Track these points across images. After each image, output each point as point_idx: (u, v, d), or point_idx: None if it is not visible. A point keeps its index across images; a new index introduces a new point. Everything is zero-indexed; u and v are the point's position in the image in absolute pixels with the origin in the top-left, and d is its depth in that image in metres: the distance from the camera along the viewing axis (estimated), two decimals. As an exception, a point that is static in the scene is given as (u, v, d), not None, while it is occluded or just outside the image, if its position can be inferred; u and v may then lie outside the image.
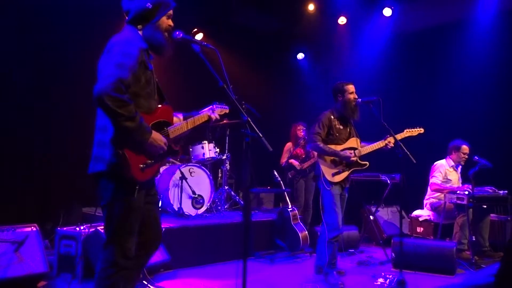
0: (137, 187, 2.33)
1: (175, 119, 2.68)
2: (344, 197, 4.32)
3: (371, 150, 4.29)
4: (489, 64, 6.40)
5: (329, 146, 4.20)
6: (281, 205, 6.08)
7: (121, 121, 2.16)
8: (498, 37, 6.40)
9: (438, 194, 5.66)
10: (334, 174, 4.16)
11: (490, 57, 6.40)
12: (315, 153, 6.35)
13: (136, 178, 2.29)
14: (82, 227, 4.14)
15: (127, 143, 2.25)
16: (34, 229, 3.85)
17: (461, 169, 5.81)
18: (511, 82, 6.15)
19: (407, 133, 4.38)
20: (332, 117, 4.28)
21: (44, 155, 5.65)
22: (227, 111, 2.92)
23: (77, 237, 3.97)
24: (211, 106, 2.88)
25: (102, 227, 3.78)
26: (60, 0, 5.60)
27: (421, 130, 4.43)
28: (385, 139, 4.24)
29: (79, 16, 5.79)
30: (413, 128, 4.43)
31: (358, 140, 4.36)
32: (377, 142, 4.28)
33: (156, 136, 2.35)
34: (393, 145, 4.19)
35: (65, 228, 4.19)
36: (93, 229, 4.00)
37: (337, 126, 4.29)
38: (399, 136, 4.27)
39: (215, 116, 2.82)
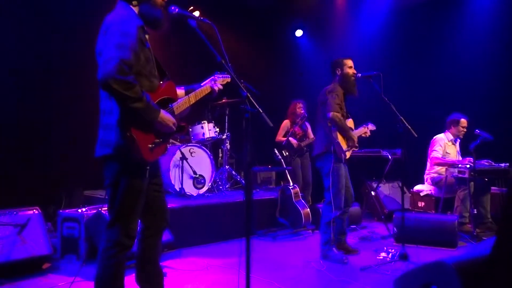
0: (147, 168, 2.31)
1: (178, 92, 2.63)
2: (346, 170, 4.35)
3: (357, 135, 4.40)
4: (489, 38, 6.32)
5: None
6: (282, 183, 6.09)
7: (130, 103, 2.12)
8: (498, 8, 6.29)
9: (439, 168, 5.66)
10: (345, 151, 4.16)
11: (490, 30, 6.31)
12: (311, 132, 6.36)
13: (146, 159, 2.27)
14: (84, 209, 4.15)
15: (134, 124, 2.21)
16: (36, 211, 3.86)
17: (460, 142, 5.79)
18: (508, 54, 6.07)
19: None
20: (339, 88, 4.24)
21: (46, 138, 5.64)
22: (229, 80, 2.84)
23: (79, 219, 3.98)
24: (212, 77, 2.83)
25: (105, 208, 3.80)
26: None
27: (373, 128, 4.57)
28: (363, 127, 4.47)
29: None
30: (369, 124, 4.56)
31: (352, 122, 4.43)
32: (359, 129, 4.46)
33: (164, 115, 2.32)
34: (368, 135, 4.48)
35: (67, 211, 4.19)
36: (95, 211, 4.00)
37: (343, 101, 4.30)
38: (357, 133, 4.42)
39: (217, 87, 2.78)
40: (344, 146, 4.16)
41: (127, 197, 2.29)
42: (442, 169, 5.60)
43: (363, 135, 4.47)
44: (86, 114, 4.94)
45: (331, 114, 4.07)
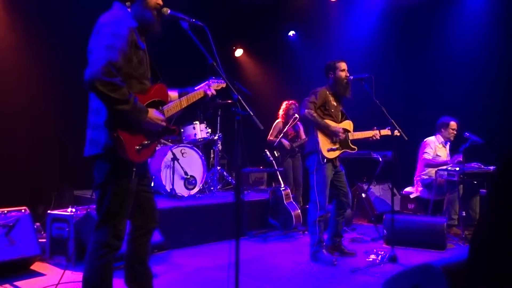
0: (134, 169, 2.31)
1: (171, 95, 2.63)
2: (342, 173, 4.36)
3: (360, 137, 4.39)
4: (480, 40, 6.38)
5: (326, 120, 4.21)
6: (273, 184, 6.10)
7: (115, 104, 2.13)
8: (490, 11, 6.36)
9: (429, 170, 5.70)
10: (329, 150, 4.17)
11: (481, 33, 6.37)
12: (303, 133, 6.38)
13: (132, 160, 2.27)
14: (74, 210, 4.12)
15: (122, 125, 2.21)
16: (25, 212, 3.82)
17: (450, 145, 5.84)
18: (501, 58, 6.14)
19: (388, 131, 4.42)
20: (327, 92, 4.29)
21: (35, 137, 5.59)
22: (224, 85, 2.84)
23: (69, 220, 3.95)
24: (207, 82, 2.83)
25: (94, 208, 3.78)
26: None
27: (397, 133, 4.40)
28: (372, 130, 4.39)
29: None
30: (383, 128, 4.47)
31: (351, 124, 4.43)
32: (366, 132, 4.41)
33: (153, 114, 2.31)
34: (378, 138, 4.38)
35: (56, 211, 4.16)
36: (85, 211, 3.98)
37: (332, 102, 4.32)
38: (383, 132, 4.40)
39: (211, 92, 2.78)
40: (327, 145, 4.18)
41: (115, 198, 2.28)
42: (432, 171, 5.64)
43: (371, 138, 4.40)
44: (76, 113, 4.92)
45: (303, 112, 4.19)
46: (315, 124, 4.19)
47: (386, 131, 4.40)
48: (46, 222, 4.09)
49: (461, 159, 5.13)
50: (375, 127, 4.39)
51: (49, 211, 4.15)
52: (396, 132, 4.34)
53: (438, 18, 6.87)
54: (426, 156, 5.67)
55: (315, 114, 4.17)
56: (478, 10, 6.48)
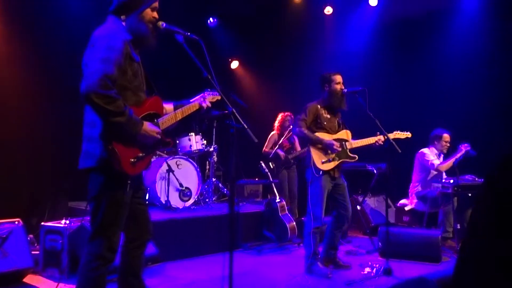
0: (128, 182, 2.31)
1: (166, 108, 2.65)
2: (343, 186, 4.33)
3: (361, 145, 4.35)
4: (474, 53, 6.45)
5: (319, 134, 4.23)
6: (269, 196, 6.09)
7: (110, 117, 2.14)
8: (482, 24, 6.44)
9: (432, 176, 5.63)
10: (323, 162, 4.18)
11: (475, 45, 6.45)
12: (298, 145, 6.40)
13: (127, 172, 2.28)
14: (68, 222, 4.10)
15: (117, 138, 2.22)
16: (19, 223, 3.80)
17: (443, 157, 5.87)
18: (494, 70, 6.21)
19: (396, 135, 4.47)
20: (318, 106, 4.32)
21: (30, 149, 5.57)
22: (219, 98, 2.86)
23: (62, 232, 3.92)
24: (202, 94, 2.85)
25: (88, 220, 3.76)
26: None
27: (409, 135, 4.53)
28: (376, 136, 4.31)
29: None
30: (402, 131, 4.51)
31: (349, 133, 4.42)
32: (368, 138, 4.35)
33: (148, 126, 2.33)
34: (382, 143, 4.28)
35: (50, 223, 4.14)
36: (79, 223, 3.96)
37: (324, 115, 4.33)
38: (392, 135, 4.38)
39: (206, 104, 2.79)
40: (321, 157, 4.19)
41: (109, 210, 2.28)
42: (426, 184, 5.62)
43: (375, 143, 4.32)
44: (71, 124, 4.91)
45: (295, 130, 4.31)
46: (308, 140, 4.24)
47: (394, 135, 4.40)
48: (40, 234, 4.06)
49: (466, 149, 5.16)
50: (378, 132, 4.27)
51: (42, 223, 4.12)
52: (405, 134, 4.37)
53: (432, 30, 6.95)
54: (435, 162, 5.58)
55: (305, 131, 4.20)
56: (472, 23, 6.56)
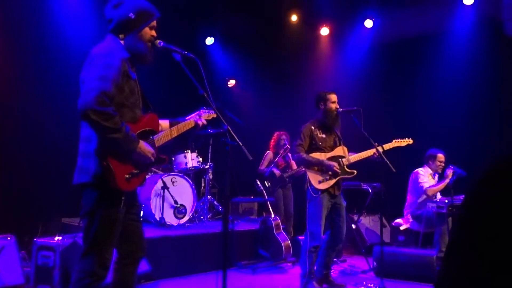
0: (123, 198, 2.31)
1: (162, 125, 2.67)
2: (341, 207, 4.30)
3: (359, 159, 4.34)
4: (466, 74, 6.54)
5: (314, 154, 4.23)
6: (264, 214, 6.07)
7: (107, 133, 2.16)
8: (475, 47, 6.56)
9: (420, 201, 5.66)
10: (320, 182, 4.18)
11: (467, 67, 6.55)
12: (294, 163, 6.41)
13: (121, 188, 2.28)
14: (60, 238, 4.07)
15: (112, 154, 2.24)
16: (11, 239, 3.77)
17: (438, 177, 5.89)
18: (487, 91, 6.30)
19: (395, 143, 4.47)
20: (312, 127, 4.32)
21: (23, 164, 5.55)
22: (215, 115, 2.89)
23: (55, 248, 3.89)
24: (198, 112, 2.88)
25: (81, 237, 3.74)
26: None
27: (410, 141, 4.51)
28: (373, 148, 4.30)
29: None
30: (402, 138, 4.49)
31: (346, 149, 4.41)
32: (365, 151, 4.34)
33: (144, 146, 2.34)
34: (378, 155, 4.27)
35: (43, 239, 4.10)
36: (71, 240, 3.92)
37: (319, 135, 4.33)
38: (387, 146, 4.39)
39: (202, 122, 2.81)
40: (317, 177, 4.20)
41: (102, 226, 2.28)
42: (422, 203, 5.63)
43: (374, 154, 4.29)
44: (65, 139, 4.92)
45: (294, 157, 4.36)
46: (308, 164, 4.22)
47: (390, 144, 4.41)
48: (32, 250, 4.02)
49: (451, 171, 5.18)
50: (376, 143, 4.26)
51: (35, 239, 4.09)
52: (406, 141, 4.37)
53: (425, 52, 7.06)
54: (425, 185, 5.62)
55: (305, 156, 4.21)
56: (464, 46, 6.68)
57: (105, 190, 2.26)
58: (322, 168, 4.21)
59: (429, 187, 5.58)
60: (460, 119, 6.45)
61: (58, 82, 5.60)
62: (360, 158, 4.33)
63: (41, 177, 5.61)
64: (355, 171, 4.34)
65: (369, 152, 4.31)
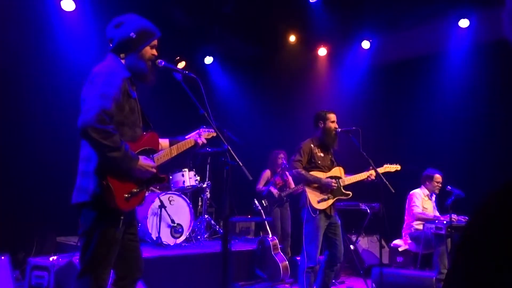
0: (121, 218, 2.29)
1: (162, 143, 2.66)
2: (337, 225, 4.28)
3: (354, 181, 4.36)
4: (463, 95, 6.61)
5: (313, 173, 4.23)
6: (261, 234, 6.02)
7: (106, 152, 2.15)
8: (470, 69, 6.64)
9: (417, 223, 5.69)
10: (319, 201, 4.16)
11: (464, 89, 6.62)
12: (292, 182, 6.39)
13: (120, 208, 2.26)
14: (55, 257, 4.01)
15: (111, 172, 2.22)
16: (4, 258, 3.71)
17: (436, 197, 5.89)
18: (484, 112, 6.35)
19: (386, 168, 4.51)
20: (312, 145, 4.33)
21: (19, 181, 5.51)
22: (214, 134, 2.89)
23: (49, 268, 3.83)
24: (198, 131, 2.88)
25: (77, 257, 3.68)
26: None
27: (398, 167, 4.57)
28: (367, 171, 4.32)
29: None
30: (391, 164, 4.53)
31: (342, 170, 4.42)
32: (360, 174, 4.35)
33: (143, 161, 2.33)
34: (373, 178, 4.29)
35: (37, 258, 4.04)
36: (67, 259, 3.87)
37: (318, 154, 4.34)
38: (379, 170, 4.37)
39: (201, 141, 2.81)
40: (317, 196, 4.19)
41: (100, 246, 2.25)
42: (420, 225, 5.63)
43: (367, 179, 4.32)
44: (62, 157, 4.89)
45: (292, 172, 4.31)
46: (306, 181, 4.21)
47: (381, 169, 4.41)
48: (26, 270, 3.96)
49: (455, 216, 5.18)
50: (371, 167, 4.27)
51: (29, 258, 4.03)
52: (394, 167, 4.39)
53: (422, 73, 7.14)
54: (415, 209, 5.66)
55: (303, 172, 4.20)
56: (460, 67, 6.77)
57: (104, 209, 2.24)
58: (320, 186, 4.20)
59: (420, 213, 5.61)
60: (457, 139, 6.48)
61: (55, 100, 5.61)
62: (355, 180, 4.36)
63: (37, 195, 5.56)
64: (350, 192, 4.35)
65: (363, 175, 4.34)
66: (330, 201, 4.21)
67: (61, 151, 5.31)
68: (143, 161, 2.33)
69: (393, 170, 4.54)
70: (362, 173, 4.35)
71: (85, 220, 2.27)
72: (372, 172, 4.28)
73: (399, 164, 4.62)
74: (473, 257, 0.68)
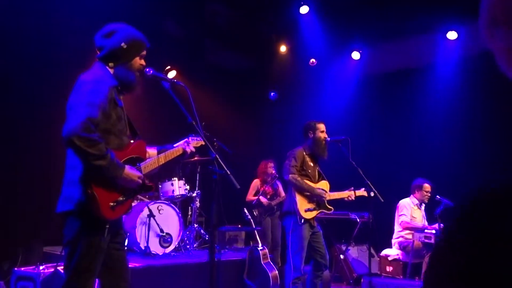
0: (107, 226, 2.26)
1: (150, 152, 2.65)
2: (319, 234, 4.32)
3: (336, 197, 4.42)
4: (452, 106, 6.68)
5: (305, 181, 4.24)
6: (251, 243, 5.99)
7: (92, 160, 2.13)
8: (458, 81, 6.73)
9: (407, 232, 5.71)
10: (306, 210, 4.17)
11: (452, 99, 6.70)
12: (282, 191, 6.39)
13: (105, 217, 2.24)
14: (41, 267, 3.94)
15: (96, 181, 2.20)
16: (-11, 269, 3.64)
17: (425, 207, 5.92)
18: (472, 122, 6.43)
19: (361, 192, 4.49)
20: (304, 153, 4.35)
21: (4, 190, 5.43)
22: (203, 143, 2.89)
23: (35, 278, 3.76)
24: (186, 139, 2.87)
25: (62, 267, 3.63)
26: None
27: (365, 193, 4.48)
28: (348, 191, 4.42)
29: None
30: (358, 189, 4.50)
31: (328, 184, 4.48)
32: (342, 192, 4.44)
33: (129, 170, 2.31)
34: (353, 199, 4.41)
35: (23, 268, 3.97)
36: (52, 269, 3.81)
37: (309, 163, 4.38)
38: (358, 193, 4.44)
39: (190, 149, 2.81)
40: (305, 205, 4.18)
41: (85, 256, 2.22)
42: (409, 234, 5.65)
43: (346, 198, 4.42)
44: (48, 166, 4.84)
45: (288, 176, 4.24)
46: (299, 188, 4.21)
47: (361, 192, 4.45)
48: (11, 280, 3.89)
49: (438, 226, 5.19)
50: (352, 188, 4.42)
51: (14, 268, 3.96)
52: (372, 194, 4.39)
53: (411, 85, 7.22)
54: (403, 218, 5.71)
55: (299, 179, 4.21)
56: (449, 78, 6.86)
57: (89, 218, 2.22)
58: (309, 196, 4.21)
59: (405, 222, 5.65)
60: (446, 149, 6.54)
61: (43, 108, 5.56)
62: (337, 197, 4.42)
63: (23, 204, 5.48)
64: (332, 208, 4.40)
65: (344, 194, 4.42)
66: (315, 213, 4.25)
67: (48, 160, 5.27)
68: (129, 170, 2.31)
69: (363, 194, 4.51)
70: (344, 192, 4.44)
71: (69, 229, 2.25)
72: (352, 193, 4.39)
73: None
74: (440, 268, 0.69)
